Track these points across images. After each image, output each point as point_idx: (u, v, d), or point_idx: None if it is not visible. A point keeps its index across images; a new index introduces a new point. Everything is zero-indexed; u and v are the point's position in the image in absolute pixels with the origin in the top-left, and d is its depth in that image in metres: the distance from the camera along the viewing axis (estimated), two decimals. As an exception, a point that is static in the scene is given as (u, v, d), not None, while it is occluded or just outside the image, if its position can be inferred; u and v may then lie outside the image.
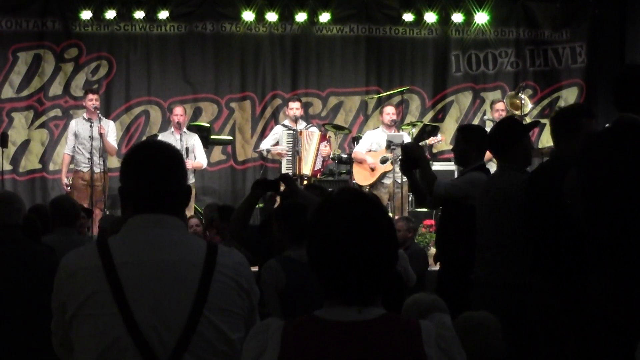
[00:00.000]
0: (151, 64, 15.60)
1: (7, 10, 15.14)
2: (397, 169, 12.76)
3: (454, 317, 4.77)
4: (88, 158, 12.99)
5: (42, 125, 15.30)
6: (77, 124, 13.35)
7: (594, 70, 16.08)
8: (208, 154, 14.48)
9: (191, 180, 13.20)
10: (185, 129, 13.69)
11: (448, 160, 15.18)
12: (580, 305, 5.43)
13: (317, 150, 13.40)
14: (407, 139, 13.21)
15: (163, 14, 15.27)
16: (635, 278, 5.01)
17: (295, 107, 13.57)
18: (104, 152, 13.15)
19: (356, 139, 14.14)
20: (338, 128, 14.56)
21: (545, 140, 15.84)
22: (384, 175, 13.18)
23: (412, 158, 7.44)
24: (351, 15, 15.94)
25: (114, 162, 14.43)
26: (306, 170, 13.30)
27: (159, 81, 15.62)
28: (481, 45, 16.15)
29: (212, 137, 14.73)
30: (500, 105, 13.80)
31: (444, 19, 15.86)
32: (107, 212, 13.01)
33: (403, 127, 14.04)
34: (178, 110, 13.70)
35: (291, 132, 13.41)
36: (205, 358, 3.00)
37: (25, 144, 15.27)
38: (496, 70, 16.22)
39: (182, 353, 2.96)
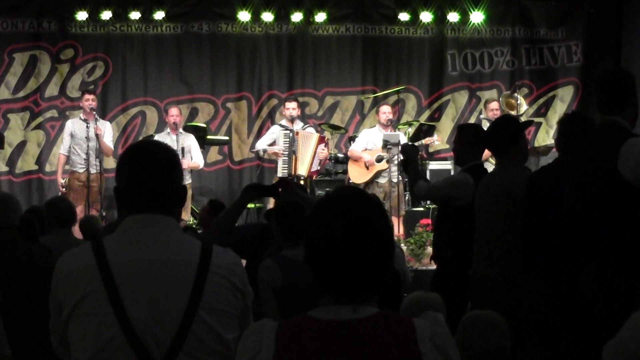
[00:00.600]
0: (147, 64, 15.60)
1: (2, 11, 15.13)
2: (393, 168, 12.79)
3: (452, 315, 4.79)
4: (84, 159, 12.98)
5: (38, 126, 15.29)
6: (74, 125, 13.33)
7: (589, 69, 16.08)
8: (204, 154, 14.48)
9: (188, 180, 13.20)
10: (181, 130, 13.69)
11: (444, 159, 15.22)
12: (571, 305, 5.48)
13: (315, 152, 13.40)
14: (403, 138, 13.23)
15: (159, 15, 15.26)
16: (617, 276, 5.07)
17: (292, 107, 13.57)
18: (101, 152, 13.14)
19: (352, 139, 14.15)
20: (334, 128, 14.57)
21: (541, 139, 15.89)
22: (379, 174, 13.18)
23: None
24: (347, 14, 15.94)
25: (111, 163, 14.42)
26: (302, 170, 13.30)
27: (155, 81, 15.62)
28: (477, 44, 16.16)
29: (209, 137, 14.73)
30: (494, 105, 13.79)
31: (440, 18, 15.86)
32: (104, 213, 13.02)
33: (399, 127, 14.04)
34: (174, 111, 13.68)
35: (288, 132, 13.41)
36: (199, 357, 3.01)
37: (22, 145, 15.26)
38: (492, 69, 16.23)
39: (177, 352, 2.97)
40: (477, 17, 15.71)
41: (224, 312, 3.06)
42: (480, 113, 15.24)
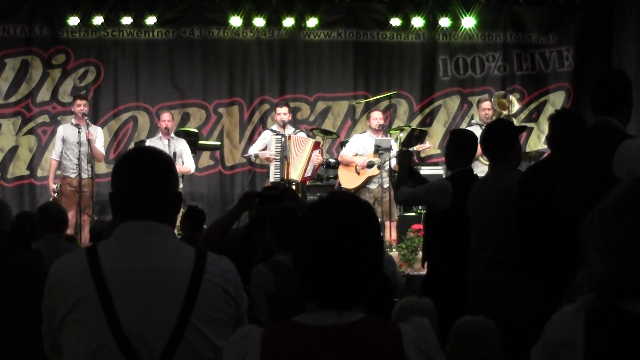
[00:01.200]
0: (139, 69, 15.60)
1: (-6, 16, 15.14)
2: (384, 173, 12.79)
3: (445, 320, 4.80)
4: (76, 164, 12.96)
5: (30, 132, 15.28)
6: (65, 130, 13.32)
7: (581, 74, 16.10)
8: (196, 159, 14.48)
9: (179, 185, 13.16)
10: (173, 135, 13.69)
11: (436, 164, 15.22)
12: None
13: (309, 158, 13.39)
14: (395, 143, 13.24)
15: (151, 20, 15.26)
16: None
17: (282, 112, 13.56)
18: (92, 158, 13.13)
19: (344, 144, 14.13)
20: (326, 133, 14.57)
21: (533, 144, 15.90)
22: (370, 180, 13.17)
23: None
24: (339, 20, 15.95)
25: (102, 168, 14.44)
26: (294, 175, 13.29)
27: (147, 87, 15.62)
28: (468, 50, 16.18)
29: (200, 142, 14.72)
30: (486, 105, 13.76)
31: (432, 24, 15.88)
32: (96, 218, 13.00)
33: (391, 132, 14.03)
34: (165, 116, 13.68)
35: (279, 137, 13.41)
36: (192, 365, 3.02)
37: (13, 150, 15.25)
38: (483, 74, 16.24)
39: (169, 360, 2.98)
40: (468, 22, 15.72)
41: (217, 319, 3.06)
42: (472, 118, 15.25)
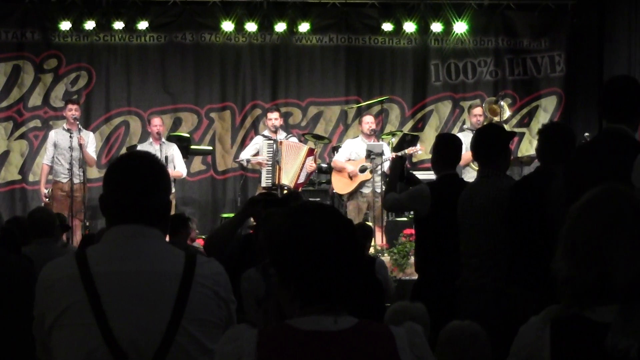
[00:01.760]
0: (131, 74, 15.59)
1: (-14, 21, 15.12)
2: (377, 178, 12.79)
3: (436, 325, 4.79)
4: (67, 169, 12.94)
5: (21, 136, 15.26)
6: (57, 135, 13.30)
7: (572, 79, 16.14)
8: (188, 164, 14.47)
9: (172, 190, 13.16)
10: (164, 139, 13.68)
11: (428, 169, 15.21)
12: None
13: (303, 164, 13.39)
14: (387, 148, 13.23)
15: (142, 25, 15.24)
16: None
17: (274, 118, 13.56)
18: (84, 163, 13.11)
19: (336, 149, 14.13)
20: (318, 138, 14.56)
21: (525, 149, 15.91)
22: (362, 184, 13.17)
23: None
24: (330, 25, 15.95)
25: (94, 173, 14.41)
26: (286, 180, 13.28)
27: (138, 91, 15.61)
28: (460, 55, 16.19)
29: (192, 147, 14.70)
30: (478, 110, 13.74)
31: (423, 29, 15.88)
32: (87, 223, 12.98)
33: (383, 137, 14.01)
34: (156, 120, 13.67)
35: (271, 142, 13.40)
36: (183, 368, 3.01)
37: (5, 155, 15.23)
38: (475, 79, 16.25)
39: (160, 364, 2.97)
40: (460, 27, 15.72)
41: (208, 322, 3.06)
42: (464, 123, 15.26)
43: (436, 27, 15.71)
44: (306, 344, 2.50)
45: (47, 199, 13.24)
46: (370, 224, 12.24)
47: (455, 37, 15.90)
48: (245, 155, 13.71)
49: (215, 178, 15.76)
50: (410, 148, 13.58)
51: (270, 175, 13.34)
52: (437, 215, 7.03)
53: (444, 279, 6.80)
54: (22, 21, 15.25)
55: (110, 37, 15.47)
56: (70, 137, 12.90)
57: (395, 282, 10.33)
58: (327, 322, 2.53)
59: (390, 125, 15.85)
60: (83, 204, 13.13)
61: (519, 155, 15.01)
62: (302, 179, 13.50)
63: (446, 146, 7.42)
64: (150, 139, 13.62)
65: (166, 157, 13.11)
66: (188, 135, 14.84)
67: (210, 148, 15.49)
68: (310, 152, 13.57)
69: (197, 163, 15.59)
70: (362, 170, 13.09)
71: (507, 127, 13.97)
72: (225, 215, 14.11)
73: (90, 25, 15.07)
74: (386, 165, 12.74)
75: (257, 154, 13.55)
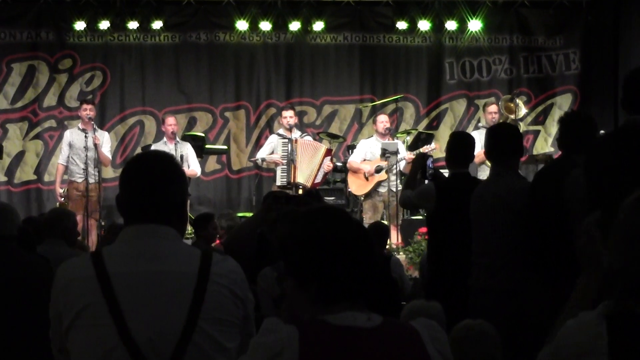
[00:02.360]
0: (145, 74, 15.62)
1: (0, 22, 15.16)
2: (392, 177, 12.78)
3: (450, 323, 4.78)
4: (83, 169, 12.96)
5: (36, 136, 15.32)
6: (72, 134, 13.32)
7: (587, 76, 16.11)
8: (203, 163, 14.50)
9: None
10: (178, 139, 13.70)
11: (442, 167, 15.19)
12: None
13: (320, 164, 13.40)
14: (402, 147, 13.22)
15: (157, 24, 15.28)
16: None
17: (289, 116, 13.57)
18: (99, 162, 13.13)
19: (351, 148, 14.14)
20: (332, 137, 14.57)
21: (540, 147, 15.88)
22: (379, 184, 13.17)
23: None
24: (345, 23, 15.95)
25: (109, 173, 14.46)
26: (301, 179, 13.28)
27: (153, 91, 15.64)
28: (475, 53, 16.17)
29: (207, 146, 14.73)
30: (493, 108, 13.64)
31: (438, 27, 15.87)
32: (102, 223, 13.01)
33: (397, 135, 14.01)
34: (170, 120, 13.69)
35: (286, 140, 13.41)
36: (201, 368, 3.01)
37: (20, 155, 15.28)
38: (490, 77, 16.23)
39: (178, 363, 2.97)
40: (475, 25, 15.70)
41: (225, 321, 3.05)
42: (479, 121, 15.23)
43: (451, 25, 15.71)
44: (345, 340, 2.52)
45: (63, 199, 13.28)
46: (385, 222, 12.24)
47: (470, 35, 15.88)
48: (261, 154, 13.71)
49: (230, 177, 15.78)
50: (425, 147, 13.56)
51: (286, 174, 13.34)
52: (442, 213, 7.04)
53: (453, 278, 6.78)
54: (36, 21, 15.30)
55: (125, 37, 15.51)
56: (86, 137, 12.92)
57: (411, 280, 10.31)
58: (362, 319, 2.57)
59: (405, 123, 15.83)
60: (98, 204, 13.16)
61: (534, 153, 14.98)
62: (319, 179, 13.51)
63: (458, 144, 7.38)
64: (165, 139, 13.64)
65: (181, 156, 13.14)
66: (203, 135, 14.87)
67: (225, 147, 15.51)
68: (328, 152, 13.58)
69: (212, 162, 15.62)
70: (378, 170, 13.08)
71: (522, 124, 13.95)
72: (240, 214, 14.13)
73: (104, 25, 15.11)
74: (402, 164, 12.74)
75: (272, 153, 13.55)
